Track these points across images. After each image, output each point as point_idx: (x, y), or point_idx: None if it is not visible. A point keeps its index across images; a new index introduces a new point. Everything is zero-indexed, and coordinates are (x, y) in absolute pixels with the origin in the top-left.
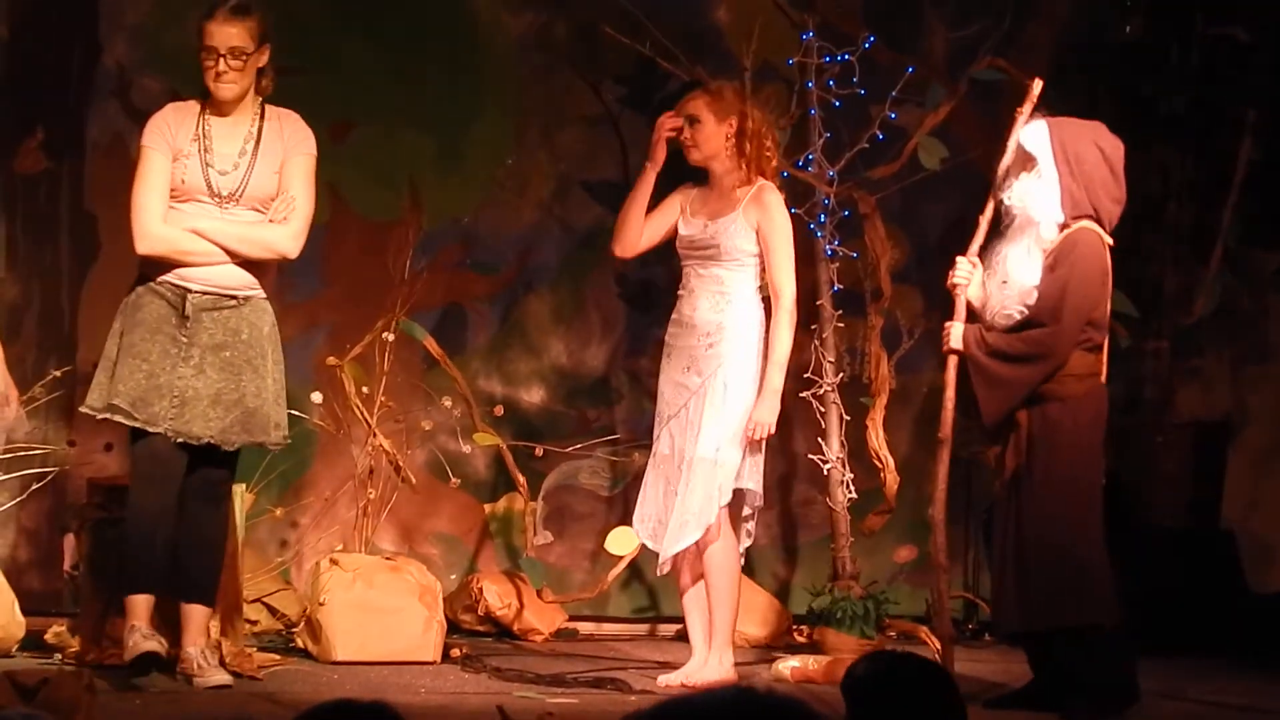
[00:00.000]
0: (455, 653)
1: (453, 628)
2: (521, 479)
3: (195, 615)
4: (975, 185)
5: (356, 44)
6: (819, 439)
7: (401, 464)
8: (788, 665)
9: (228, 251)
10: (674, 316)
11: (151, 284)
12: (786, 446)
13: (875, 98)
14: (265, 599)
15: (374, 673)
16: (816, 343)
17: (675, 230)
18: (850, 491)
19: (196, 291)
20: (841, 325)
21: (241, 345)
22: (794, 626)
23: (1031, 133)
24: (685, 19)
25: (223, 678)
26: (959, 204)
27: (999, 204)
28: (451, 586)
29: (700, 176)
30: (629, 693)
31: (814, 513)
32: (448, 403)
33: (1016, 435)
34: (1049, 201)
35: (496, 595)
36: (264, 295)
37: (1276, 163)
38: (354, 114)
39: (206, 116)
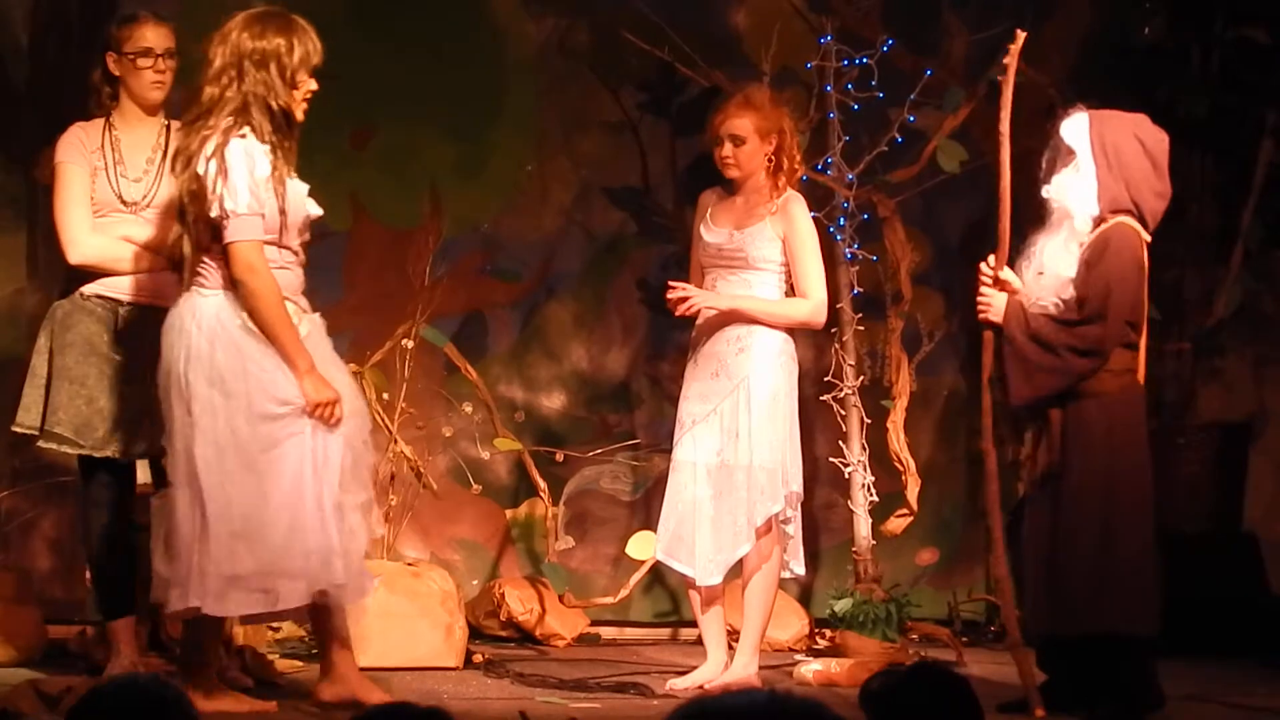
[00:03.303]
0: (478, 658)
1: (475, 633)
2: (543, 484)
3: None
4: (995, 188)
5: (377, 51)
6: (840, 442)
7: (423, 470)
8: (810, 669)
9: None
10: (698, 322)
11: (80, 299)
12: (808, 450)
13: (894, 101)
14: None
15: (396, 679)
16: (837, 346)
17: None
18: (871, 494)
19: (128, 303)
20: (862, 328)
21: None
22: (816, 630)
23: (1071, 125)
24: (704, 24)
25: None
26: (979, 206)
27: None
28: (473, 592)
29: (720, 179)
30: (652, 697)
31: (835, 516)
32: (469, 409)
33: (1049, 432)
34: (1085, 195)
35: (518, 600)
36: None
37: None
38: (374, 121)
39: (113, 131)
